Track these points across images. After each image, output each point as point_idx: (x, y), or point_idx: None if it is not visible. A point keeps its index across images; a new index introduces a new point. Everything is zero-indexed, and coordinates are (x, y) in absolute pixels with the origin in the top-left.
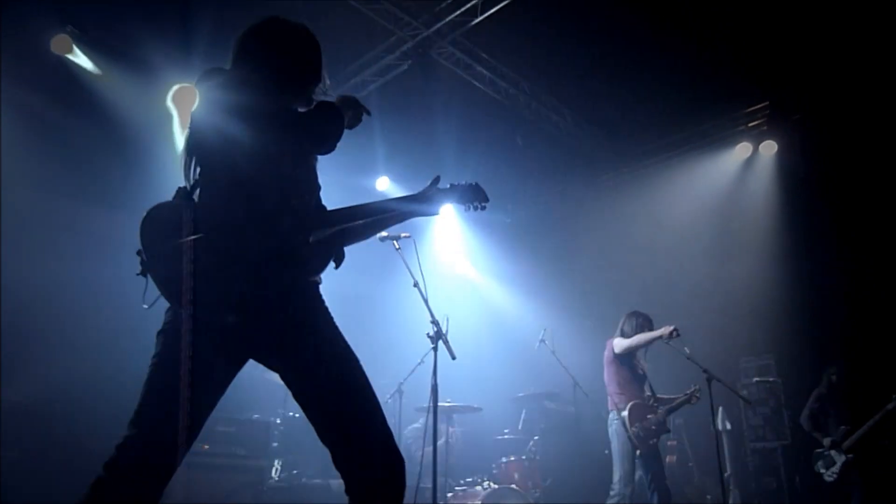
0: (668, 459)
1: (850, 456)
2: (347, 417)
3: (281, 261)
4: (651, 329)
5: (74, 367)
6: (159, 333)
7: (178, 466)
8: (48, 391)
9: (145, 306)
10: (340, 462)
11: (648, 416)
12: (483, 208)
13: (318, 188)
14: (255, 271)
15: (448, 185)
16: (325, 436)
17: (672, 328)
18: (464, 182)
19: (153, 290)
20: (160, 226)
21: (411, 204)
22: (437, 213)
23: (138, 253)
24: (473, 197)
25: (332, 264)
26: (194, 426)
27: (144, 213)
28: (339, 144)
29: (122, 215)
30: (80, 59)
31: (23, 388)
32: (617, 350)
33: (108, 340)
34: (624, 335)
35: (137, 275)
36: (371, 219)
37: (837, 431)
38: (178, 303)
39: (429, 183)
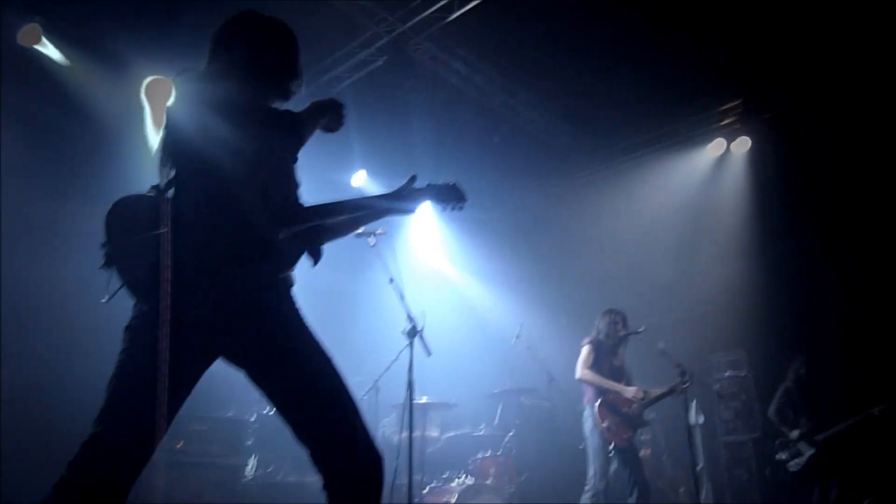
0: (642, 452)
1: (816, 449)
2: (323, 416)
3: (253, 257)
4: (624, 325)
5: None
6: (126, 328)
7: (146, 465)
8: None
9: (104, 300)
10: (318, 460)
11: (622, 411)
12: (460, 208)
13: (297, 185)
14: (227, 267)
15: (426, 185)
16: (300, 435)
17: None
18: (441, 181)
19: (114, 285)
20: (128, 218)
21: (387, 201)
22: (413, 212)
23: (103, 245)
24: (451, 197)
25: (310, 261)
26: (165, 424)
27: (110, 204)
28: (314, 140)
29: (94, 208)
30: (49, 50)
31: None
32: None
33: (81, 336)
34: (598, 333)
35: (100, 268)
36: (347, 216)
37: (804, 424)
38: (144, 298)
39: (406, 181)
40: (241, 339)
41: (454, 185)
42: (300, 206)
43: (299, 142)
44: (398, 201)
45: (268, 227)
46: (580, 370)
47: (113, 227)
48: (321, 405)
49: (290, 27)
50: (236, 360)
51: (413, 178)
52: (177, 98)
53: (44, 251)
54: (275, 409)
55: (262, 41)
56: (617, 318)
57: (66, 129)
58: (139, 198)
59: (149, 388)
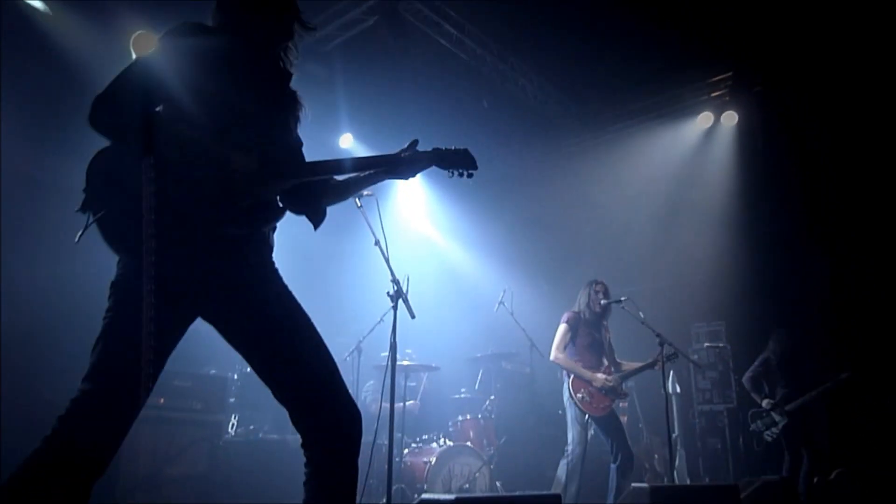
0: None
1: (787, 419)
2: (302, 376)
3: (232, 211)
4: (605, 295)
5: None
6: (112, 284)
7: (132, 423)
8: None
9: (76, 240)
10: (297, 419)
11: (594, 383)
12: (470, 176)
13: (297, 142)
14: (203, 219)
15: (432, 149)
16: (280, 395)
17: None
18: (453, 147)
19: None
20: (112, 168)
21: (388, 164)
22: (413, 176)
23: (84, 189)
24: (460, 162)
25: (311, 224)
26: (149, 387)
27: (97, 151)
28: (302, 100)
29: (76, 163)
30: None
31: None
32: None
33: (76, 302)
34: (578, 306)
35: (77, 211)
36: (345, 175)
37: (780, 394)
38: (123, 247)
39: (407, 144)
40: (218, 296)
41: (465, 150)
42: (295, 160)
43: (294, 101)
44: (399, 164)
45: (251, 179)
46: (553, 352)
47: (96, 174)
48: (300, 365)
49: None
50: (214, 318)
51: (415, 142)
52: (169, 48)
53: (24, 205)
54: (253, 369)
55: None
56: (598, 287)
57: (48, 81)
58: (126, 152)
59: (135, 345)
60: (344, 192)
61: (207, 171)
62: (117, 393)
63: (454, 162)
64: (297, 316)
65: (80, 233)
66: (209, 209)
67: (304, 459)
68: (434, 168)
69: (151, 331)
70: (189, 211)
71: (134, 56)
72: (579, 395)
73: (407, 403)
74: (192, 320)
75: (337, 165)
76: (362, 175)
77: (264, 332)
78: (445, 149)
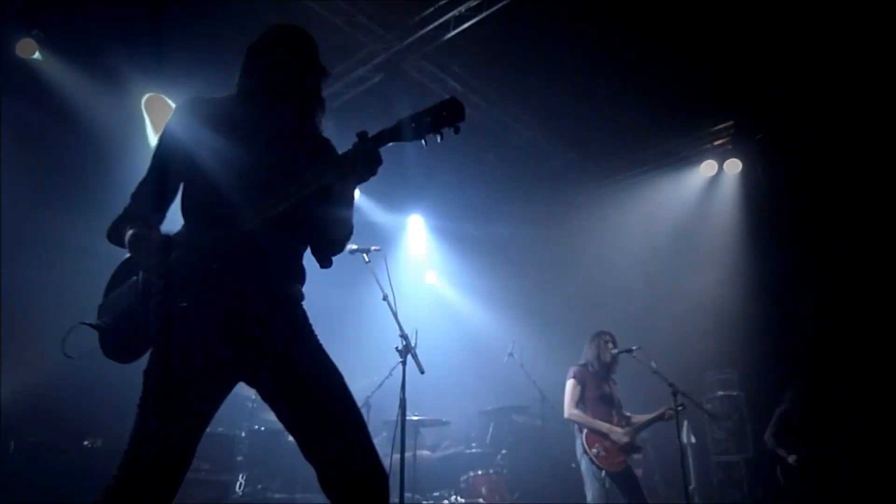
0: (635, 472)
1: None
2: (335, 437)
3: (262, 273)
4: (614, 344)
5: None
6: (145, 373)
7: None
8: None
9: (71, 356)
10: (327, 480)
11: (611, 436)
12: (457, 130)
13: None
14: (239, 288)
15: (394, 123)
16: (311, 455)
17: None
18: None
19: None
20: (128, 268)
21: (340, 165)
22: (372, 168)
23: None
24: (445, 117)
25: (319, 280)
26: (186, 465)
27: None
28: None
29: (94, 221)
30: (46, 63)
31: None
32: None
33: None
34: (586, 359)
35: (83, 324)
36: (311, 187)
37: (802, 448)
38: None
39: (357, 139)
40: (257, 359)
41: (452, 99)
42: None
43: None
44: (348, 161)
45: (273, 245)
46: (567, 409)
47: (109, 289)
48: (334, 426)
49: (297, 30)
50: (256, 383)
51: (364, 134)
52: (190, 120)
53: (36, 262)
54: (287, 427)
55: (279, 48)
56: (606, 338)
57: (63, 141)
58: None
59: (164, 440)
60: (329, 224)
61: (227, 233)
62: (148, 485)
63: (431, 123)
64: (332, 374)
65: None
66: (247, 273)
67: None
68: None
69: (174, 430)
70: (228, 277)
71: (146, 116)
72: (594, 451)
73: (419, 452)
74: (233, 384)
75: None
76: (333, 200)
77: (301, 390)
78: (411, 114)
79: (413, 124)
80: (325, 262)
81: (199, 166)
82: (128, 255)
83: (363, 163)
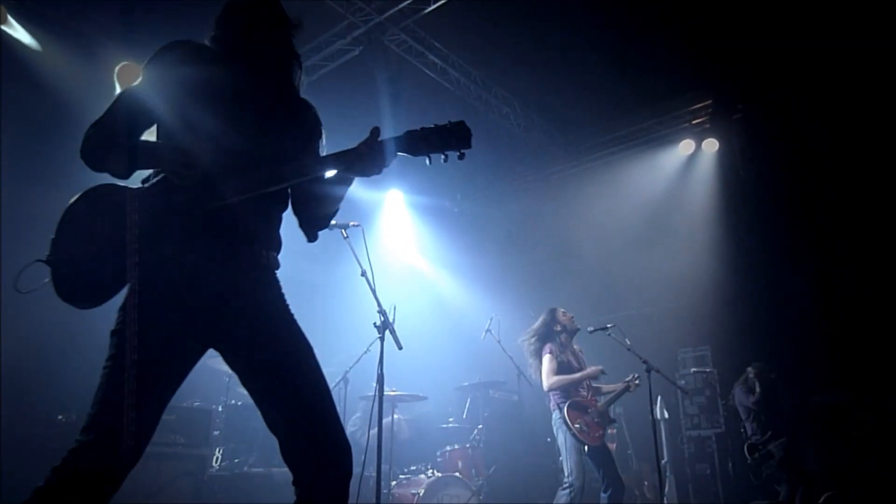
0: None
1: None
2: (302, 410)
3: (230, 238)
4: (564, 314)
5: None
6: (113, 333)
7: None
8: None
9: (24, 292)
10: (289, 452)
11: (589, 410)
12: (461, 157)
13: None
14: (215, 251)
15: (417, 129)
16: (276, 427)
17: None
18: (433, 125)
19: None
20: (90, 213)
21: (349, 161)
22: (378, 171)
23: (53, 241)
24: (452, 141)
25: (297, 254)
26: (151, 427)
27: (67, 206)
28: (312, 111)
29: (65, 195)
30: (18, 31)
31: None
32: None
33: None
34: (556, 330)
35: (37, 261)
36: (311, 176)
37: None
38: (94, 298)
39: (368, 135)
40: (227, 325)
41: (460, 123)
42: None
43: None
44: (360, 158)
45: (244, 207)
46: (548, 380)
47: (72, 224)
48: (302, 399)
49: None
50: (221, 342)
51: (376, 131)
52: (160, 75)
53: (11, 237)
54: (253, 398)
55: (244, 8)
56: (562, 309)
57: (35, 112)
58: (103, 194)
59: (136, 397)
60: (322, 201)
61: (201, 196)
62: (113, 446)
63: (446, 141)
64: (304, 347)
65: (28, 291)
66: (215, 238)
67: (291, 495)
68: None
69: (133, 385)
70: (192, 240)
71: (118, 87)
72: (577, 426)
73: (395, 429)
74: (202, 350)
75: (301, 168)
76: (331, 179)
77: (272, 363)
78: (422, 129)
79: (422, 139)
80: (312, 237)
81: (183, 126)
82: (89, 194)
83: (371, 160)
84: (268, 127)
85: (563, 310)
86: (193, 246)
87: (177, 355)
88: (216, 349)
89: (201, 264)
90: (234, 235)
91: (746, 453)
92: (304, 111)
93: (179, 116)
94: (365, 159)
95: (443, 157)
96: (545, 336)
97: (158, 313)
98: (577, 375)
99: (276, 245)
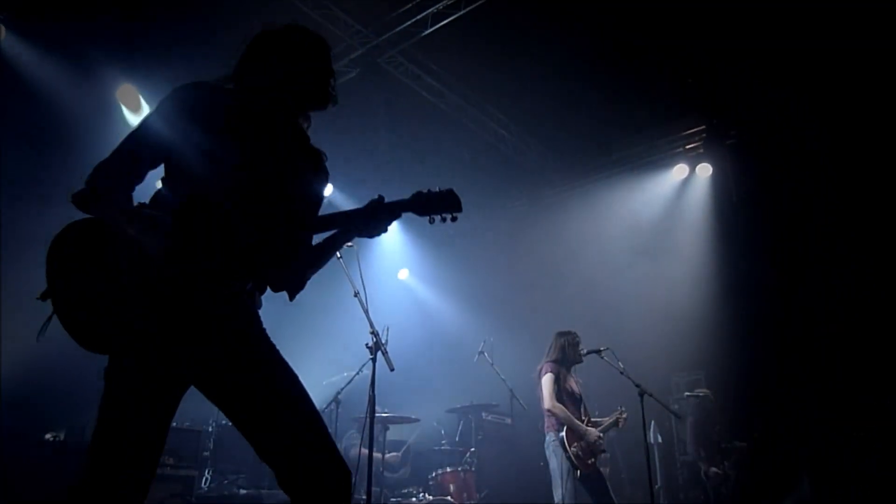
0: (601, 471)
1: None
2: (293, 439)
3: (218, 271)
4: (575, 343)
5: None
6: (106, 373)
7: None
8: None
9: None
10: (286, 481)
11: (585, 437)
12: (454, 219)
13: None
14: (189, 279)
15: (411, 195)
16: (268, 458)
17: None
18: (436, 189)
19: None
20: (82, 248)
21: (359, 221)
22: (382, 231)
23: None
24: (443, 206)
25: (286, 295)
26: (153, 464)
27: (55, 237)
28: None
29: (61, 211)
30: (14, 47)
31: None
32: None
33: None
34: (557, 354)
35: (37, 299)
36: (316, 232)
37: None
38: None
39: (373, 199)
40: (208, 361)
41: (449, 191)
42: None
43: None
44: (361, 220)
45: (242, 237)
46: (549, 401)
47: (61, 257)
48: (291, 428)
49: (317, 35)
50: (205, 384)
51: (380, 198)
52: (180, 104)
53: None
54: (242, 432)
55: (288, 46)
56: (573, 337)
57: (34, 130)
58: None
59: (125, 440)
60: (317, 260)
61: (202, 227)
62: (114, 486)
63: (435, 207)
64: (289, 377)
65: (39, 334)
66: (207, 264)
67: None
68: (413, 216)
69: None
70: (178, 268)
71: (123, 108)
72: (573, 450)
73: (387, 455)
74: (185, 388)
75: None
76: (330, 239)
77: (255, 395)
78: (427, 192)
79: (420, 202)
80: (293, 296)
81: (197, 164)
82: (72, 235)
83: (374, 222)
84: (284, 171)
85: (571, 337)
86: (189, 284)
87: (164, 400)
88: (200, 389)
89: (187, 304)
90: (232, 276)
91: (704, 476)
92: (318, 158)
93: (193, 157)
94: (368, 217)
95: (438, 218)
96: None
97: (146, 354)
98: (578, 424)
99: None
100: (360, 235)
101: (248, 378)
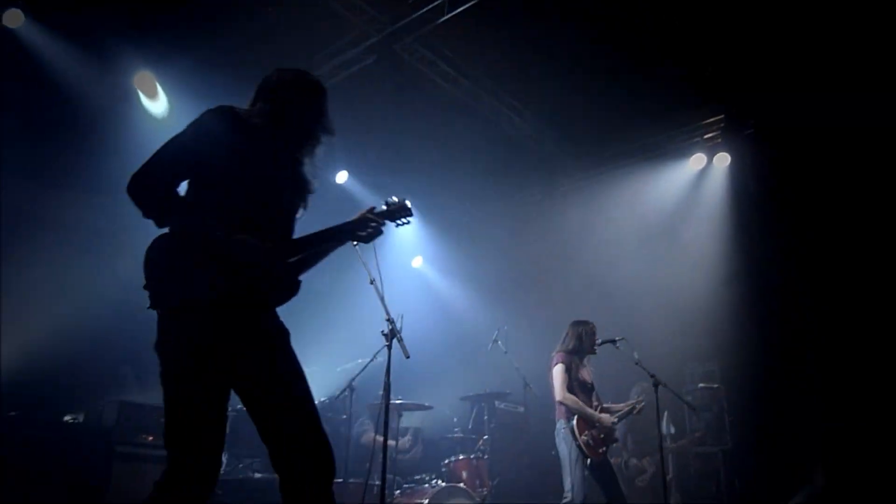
0: (613, 461)
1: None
2: (292, 423)
3: (267, 285)
4: (592, 333)
5: None
6: (159, 349)
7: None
8: None
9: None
10: (278, 459)
11: (597, 425)
12: (408, 223)
13: (294, 219)
14: (263, 298)
15: (383, 205)
16: (268, 438)
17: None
18: (395, 201)
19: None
20: (167, 258)
21: (344, 233)
22: (375, 237)
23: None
24: (402, 213)
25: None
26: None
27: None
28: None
29: (83, 197)
30: (32, 34)
31: None
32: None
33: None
34: (570, 344)
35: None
36: (317, 246)
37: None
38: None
39: (365, 210)
40: (246, 362)
41: (404, 201)
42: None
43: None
44: (351, 231)
45: (271, 258)
46: (560, 392)
47: (154, 267)
48: (293, 414)
49: (318, 83)
50: (237, 383)
51: (372, 209)
52: (216, 122)
53: (23, 238)
54: (251, 414)
55: (294, 98)
56: (590, 327)
57: (49, 116)
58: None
59: (199, 418)
60: (311, 261)
61: (247, 246)
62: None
63: (398, 214)
64: (297, 369)
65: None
66: (266, 282)
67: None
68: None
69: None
70: (235, 283)
71: (139, 93)
72: (584, 438)
73: (400, 440)
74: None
75: (313, 238)
76: (329, 245)
77: (273, 389)
78: (390, 204)
79: (391, 214)
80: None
81: (231, 177)
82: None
83: (363, 230)
84: (281, 193)
85: (588, 327)
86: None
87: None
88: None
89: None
90: (273, 286)
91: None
92: (307, 182)
93: (220, 175)
94: (358, 229)
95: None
96: (563, 348)
97: (203, 353)
98: (591, 412)
99: None
100: (350, 238)
101: (272, 378)
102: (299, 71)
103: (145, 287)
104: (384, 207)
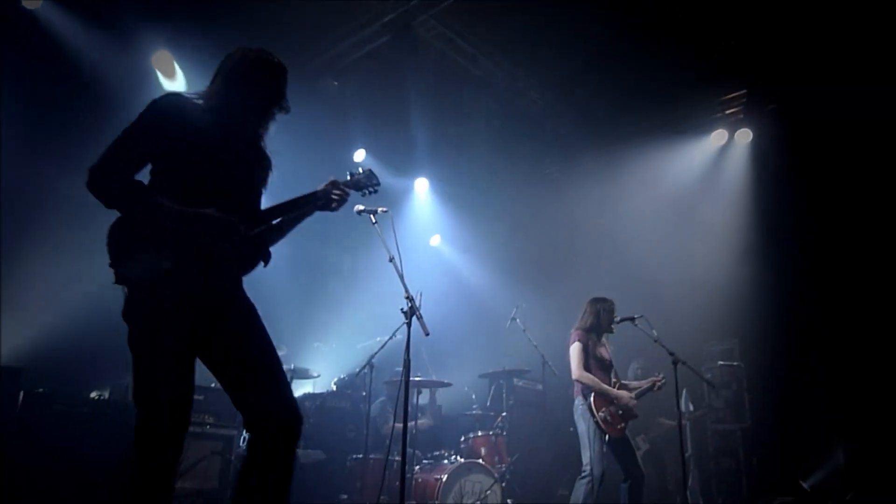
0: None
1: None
2: (261, 389)
3: (233, 257)
4: (611, 311)
5: None
6: (127, 316)
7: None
8: None
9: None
10: (249, 421)
11: (615, 402)
12: (375, 191)
13: (260, 192)
14: (220, 267)
15: (347, 177)
16: (239, 404)
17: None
18: (359, 171)
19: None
20: (129, 236)
21: (312, 202)
22: (338, 206)
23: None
24: (369, 182)
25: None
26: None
27: (111, 226)
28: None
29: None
30: (50, 14)
31: None
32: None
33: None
34: (589, 321)
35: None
36: (285, 215)
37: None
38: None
39: (327, 182)
40: (212, 330)
41: (370, 171)
42: (257, 211)
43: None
44: (319, 199)
45: (240, 228)
46: (577, 371)
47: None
48: (262, 380)
49: (278, 63)
50: (202, 351)
51: (333, 182)
52: (164, 109)
53: (38, 217)
54: (219, 381)
55: (255, 74)
56: (608, 304)
57: (68, 96)
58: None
59: (164, 377)
60: (282, 230)
61: (213, 220)
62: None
63: (365, 183)
64: (264, 337)
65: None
66: (221, 251)
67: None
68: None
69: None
70: (202, 256)
71: (157, 73)
72: (601, 414)
73: (419, 421)
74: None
75: (277, 210)
76: (294, 214)
77: (238, 356)
78: (354, 174)
79: (357, 182)
80: (267, 261)
81: (188, 158)
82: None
83: (329, 200)
84: (242, 168)
85: (606, 304)
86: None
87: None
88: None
89: (211, 278)
90: (238, 259)
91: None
92: (266, 157)
93: (177, 158)
94: (325, 198)
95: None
96: (581, 326)
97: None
98: (608, 389)
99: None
100: (320, 209)
101: (238, 345)
102: (261, 50)
103: (110, 265)
104: (348, 177)
